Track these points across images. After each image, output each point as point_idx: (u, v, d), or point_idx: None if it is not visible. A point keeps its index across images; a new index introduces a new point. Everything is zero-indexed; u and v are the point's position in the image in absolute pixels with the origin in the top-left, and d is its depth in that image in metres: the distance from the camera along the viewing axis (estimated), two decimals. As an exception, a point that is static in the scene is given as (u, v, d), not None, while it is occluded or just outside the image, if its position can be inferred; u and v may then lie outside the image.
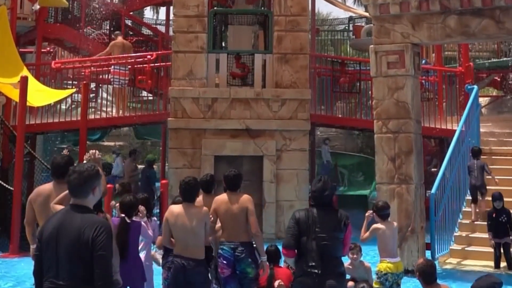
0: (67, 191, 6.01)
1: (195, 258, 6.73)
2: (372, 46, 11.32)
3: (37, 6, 17.23)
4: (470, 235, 12.05)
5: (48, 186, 6.61)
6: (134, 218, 7.34)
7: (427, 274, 6.52)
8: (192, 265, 6.69)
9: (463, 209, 12.71)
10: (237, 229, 7.24)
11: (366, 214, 8.64)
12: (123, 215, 7.20)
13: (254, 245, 7.37)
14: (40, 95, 14.11)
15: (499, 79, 19.98)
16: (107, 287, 3.88)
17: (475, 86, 14.66)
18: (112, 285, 3.95)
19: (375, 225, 8.42)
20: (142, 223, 7.44)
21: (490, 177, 12.52)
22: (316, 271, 5.67)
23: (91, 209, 4.13)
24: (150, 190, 18.14)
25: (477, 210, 12.16)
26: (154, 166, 22.23)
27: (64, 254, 3.91)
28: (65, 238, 3.92)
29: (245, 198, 7.31)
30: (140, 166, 21.46)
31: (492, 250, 11.01)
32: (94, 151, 6.92)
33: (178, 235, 6.84)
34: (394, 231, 8.54)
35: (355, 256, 8.32)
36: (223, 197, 7.40)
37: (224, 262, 7.20)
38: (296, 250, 5.86)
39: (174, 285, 6.84)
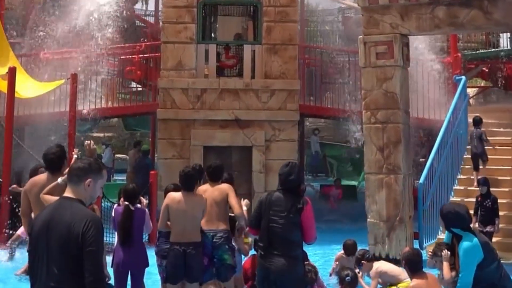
0: (56, 182, 6.04)
1: (194, 241, 7.12)
2: (361, 36, 11.35)
3: None
4: (457, 225, 12.14)
5: (43, 177, 6.62)
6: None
7: (413, 262, 6.61)
8: (191, 248, 7.06)
9: (451, 198, 12.80)
10: (217, 217, 7.51)
11: (359, 270, 8.48)
12: (126, 202, 7.29)
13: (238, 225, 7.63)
14: (29, 86, 14.03)
15: (487, 70, 20.07)
16: (97, 282, 3.84)
17: (463, 77, 14.75)
18: (102, 281, 3.91)
19: (373, 270, 8.17)
20: (147, 210, 7.58)
21: (490, 147, 13.08)
22: (262, 252, 6.02)
23: (83, 202, 4.09)
24: (148, 178, 18.12)
25: (479, 177, 12.27)
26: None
27: (55, 248, 3.86)
28: (55, 233, 3.88)
29: (225, 187, 7.62)
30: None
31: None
32: (89, 141, 6.94)
33: (177, 220, 7.17)
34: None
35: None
36: (204, 187, 7.66)
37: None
38: (258, 229, 6.20)
39: (174, 271, 7.13)
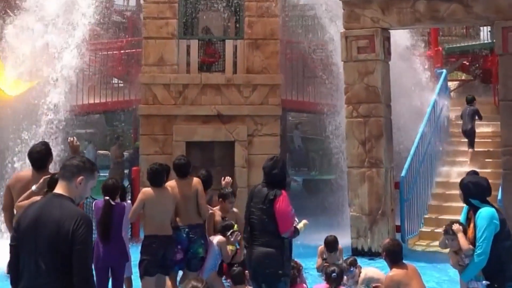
0: (30, 190, 6.00)
1: (169, 235, 7.30)
2: (342, 31, 11.38)
3: None
4: (439, 217, 12.22)
5: (27, 173, 6.59)
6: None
7: (393, 253, 6.63)
8: (169, 241, 7.25)
9: (433, 191, 12.89)
10: (189, 212, 7.62)
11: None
12: (107, 197, 7.25)
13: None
14: (11, 83, 13.92)
15: (468, 64, 20.17)
16: (86, 280, 3.82)
17: (444, 70, 14.86)
18: (91, 279, 3.88)
19: (361, 277, 8.03)
20: (126, 205, 7.54)
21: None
22: (245, 243, 6.29)
23: (72, 199, 4.02)
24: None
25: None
26: (125, 153, 22.16)
27: (43, 245, 3.81)
28: (44, 230, 3.82)
29: (195, 181, 7.71)
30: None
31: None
32: (72, 138, 6.89)
33: (154, 215, 7.26)
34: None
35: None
36: (172, 183, 7.71)
37: (179, 246, 7.48)
38: None
39: (154, 263, 7.18)
